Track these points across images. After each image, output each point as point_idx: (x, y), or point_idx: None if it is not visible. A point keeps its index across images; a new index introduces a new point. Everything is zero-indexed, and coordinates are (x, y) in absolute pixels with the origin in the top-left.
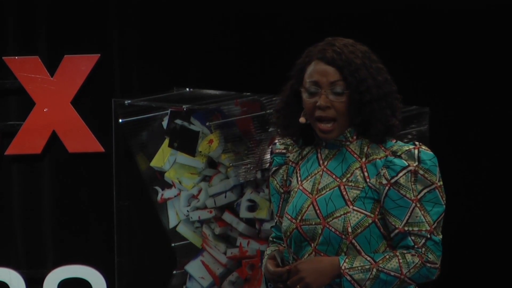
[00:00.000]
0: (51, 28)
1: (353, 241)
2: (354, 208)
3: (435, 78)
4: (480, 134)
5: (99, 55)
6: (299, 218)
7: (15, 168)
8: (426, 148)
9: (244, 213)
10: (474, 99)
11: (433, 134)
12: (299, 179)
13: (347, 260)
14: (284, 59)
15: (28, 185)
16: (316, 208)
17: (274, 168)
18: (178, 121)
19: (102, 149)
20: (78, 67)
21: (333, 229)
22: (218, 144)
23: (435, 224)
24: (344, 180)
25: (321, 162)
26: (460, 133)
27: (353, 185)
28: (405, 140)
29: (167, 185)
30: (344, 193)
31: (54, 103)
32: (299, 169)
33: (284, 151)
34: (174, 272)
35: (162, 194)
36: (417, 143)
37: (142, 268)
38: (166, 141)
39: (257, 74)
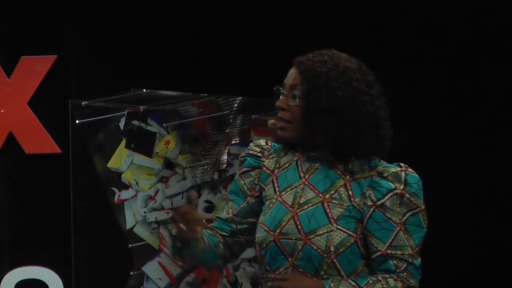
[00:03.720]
0: (8, 29)
1: (334, 260)
2: (338, 227)
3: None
4: (442, 134)
5: (56, 56)
6: (278, 231)
7: None
8: (413, 171)
9: (201, 214)
10: (436, 99)
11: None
12: (276, 189)
13: (332, 285)
14: (241, 61)
15: None
16: (298, 223)
17: (245, 169)
18: (135, 122)
19: (59, 150)
20: (35, 68)
21: (315, 247)
22: (175, 145)
23: (417, 248)
24: (328, 196)
25: (302, 174)
26: (422, 134)
27: (337, 202)
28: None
29: (124, 186)
30: (328, 210)
31: (11, 104)
32: (276, 179)
33: (259, 154)
34: (131, 273)
35: (119, 195)
36: (402, 164)
37: (99, 269)
38: (123, 142)
39: (214, 75)
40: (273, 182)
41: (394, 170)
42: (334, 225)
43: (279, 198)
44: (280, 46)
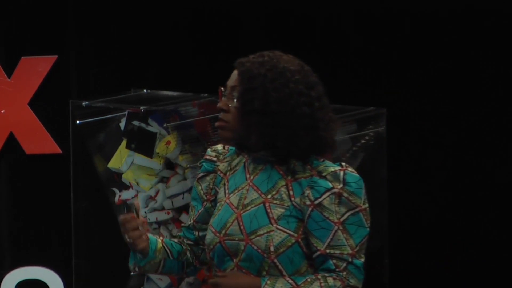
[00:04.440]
0: (8, 30)
1: (275, 260)
2: (278, 227)
3: (392, 79)
4: (437, 135)
5: (56, 56)
6: (223, 232)
7: None
8: (353, 170)
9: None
10: (431, 99)
11: (391, 135)
12: (226, 191)
13: (268, 282)
14: None
15: None
16: (241, 224)
17: (201, 174)
18: (136, 123)
19: (59, 151)
20: (36, 68)
21: (255, 247)
22: (175, 145)
23: (358, 248)
24: (269, 197)
25: (247, 176)
26: (418, 134)
27: (278, 203)
28: (363, 141)
29: (125, 187)
30: (269, 210)
31: (11, 104)
32: (227, 181)
33: (214, 159)
34: (132, 273)
35: (120, 196)
36: (343, 164)
37: (100, 270)
38: (124, 143)
39: (215, 75)
40: (224, 184)
41: (333, 170)
42: (275, 225)
43: (227, 200)
44: (279, 46)
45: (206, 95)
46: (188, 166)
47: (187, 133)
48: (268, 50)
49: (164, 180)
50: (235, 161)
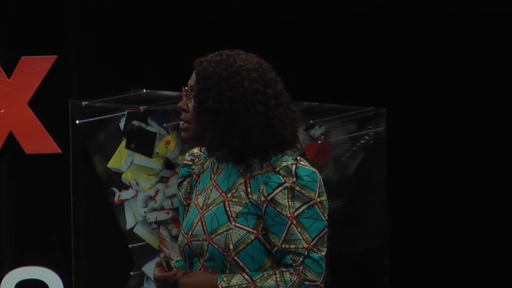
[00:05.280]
0: (8, 29)
1: (236, 258)
2: (236, 224)
3: (392, 79)
4: (437, 135)
5: (56, 56)
6: (190, 233)
7: None
8: (306, 164)
9: None
10: (431, 99)
11: (390, 135)
12: (197, 193)
13: (225, 279)
14: None
15: None
16: (203, 224)
17: (179, 180)
18: (135, 122)
19: (59, 151)
20: (35, 68)
21: (216, 246)
22: (175, 145)
23: (315, 241)
24: (229, 195)
25: (212, 176)
26: (417, 134)
27: (236, 201)
28: (362, 141)
29: (124, 187)
30: (228, 209)
31: (11, 104)
32: (199, 183)
33: (190, 163)
34: (131, 273)
35: (119, 196)
36: (299, 158)
37: (99, 270)
38: (123, 143)
39: None
40: (196, 186)
41: (285, 164)
42: (233, 223)
43: (195, 202)
44: (277, 47)
45: None
46: None
47: None
48: (268, 50)
49: (163, 180)
50: (207, 163)
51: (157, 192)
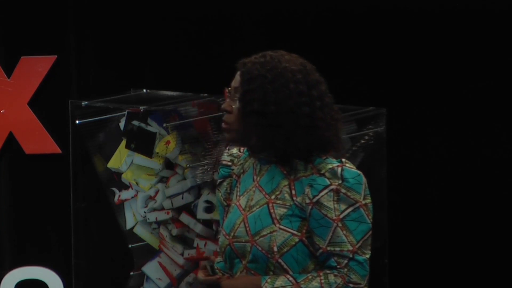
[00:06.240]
0: (8, 29)
1: (280, 260)
2: (281, 226)
3: (392, 79)
4: (437, 135)
5: (56, 56)
6: (232, 234)
7: None
8: (351, 166)
9: (201, 214)
10: (431, 99)
11: (390, 135)
12: (238, 194)
13: (269, 281)
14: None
15: None
16: (246, 225)
17: (219, 180)
18: (135, 122)
19: (59, 151)
20: (35, 68)
21: (259, 248)
22: (175, 145)
23: (359, 244)
24: (273, 197)
25: (255, 177)
26: (417, 134)
27: (281, 203)
28: (362, 141)
29: (124, 187)
30: (272, 210)
31: (11, 104)
32: (239, 184)
33: (229, 163)
34: (131, 273)
35: (119, 196)
36: (343, 160)
37: (99, 270)
38: (123, 143)
39: (214, 75)
40: (237, 187)
41: (331, 166)
42: (277, 225)
43: (237, 203)
44: (278, 47)
45: (205, 95)
46: (187, 166)
47: (186, 133)
48: (267, 50)
49: (163, 180)
50: (248, 163)
51: (157, 192)
